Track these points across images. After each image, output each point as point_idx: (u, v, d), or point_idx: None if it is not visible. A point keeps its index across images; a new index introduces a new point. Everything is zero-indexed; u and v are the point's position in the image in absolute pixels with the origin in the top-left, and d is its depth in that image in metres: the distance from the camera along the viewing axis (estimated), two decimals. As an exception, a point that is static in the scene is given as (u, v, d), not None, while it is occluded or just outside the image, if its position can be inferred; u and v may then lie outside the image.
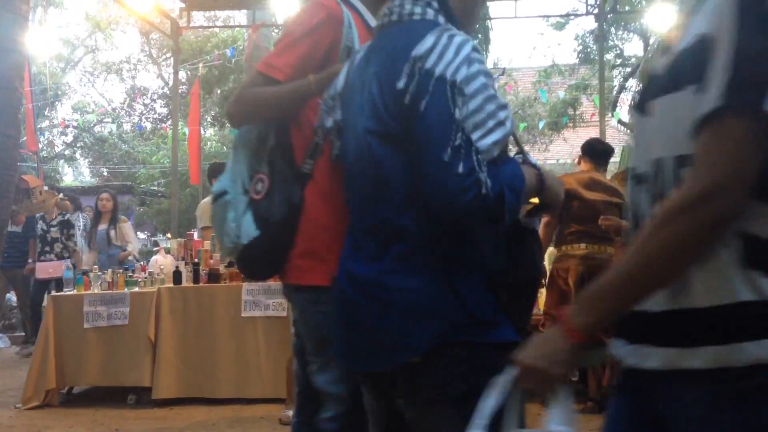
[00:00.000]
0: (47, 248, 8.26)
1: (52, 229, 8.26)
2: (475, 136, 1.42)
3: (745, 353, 1.07)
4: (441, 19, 1.59)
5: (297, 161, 1.98)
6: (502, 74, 18.98)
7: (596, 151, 5.12)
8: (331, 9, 1.97)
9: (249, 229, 1.96)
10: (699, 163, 1.07)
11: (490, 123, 1.44)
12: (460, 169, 1.39)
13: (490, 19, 11.87)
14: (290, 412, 4.77)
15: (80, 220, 9.01)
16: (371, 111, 1.57)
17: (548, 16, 20.56)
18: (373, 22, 1.98)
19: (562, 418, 1.29)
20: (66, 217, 8.41)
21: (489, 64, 16.23)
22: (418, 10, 1.59)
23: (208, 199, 6.73)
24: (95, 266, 6.38)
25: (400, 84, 1.48)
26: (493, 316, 1.52)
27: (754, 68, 1.03)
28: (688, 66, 1.11)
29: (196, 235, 6.34)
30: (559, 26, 20.04)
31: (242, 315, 5.36)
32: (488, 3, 11.22)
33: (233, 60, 16.11)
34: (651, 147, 1.20)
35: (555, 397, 1.30)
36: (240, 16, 17.28)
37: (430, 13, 1.59)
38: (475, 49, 1.49)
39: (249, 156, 2.03)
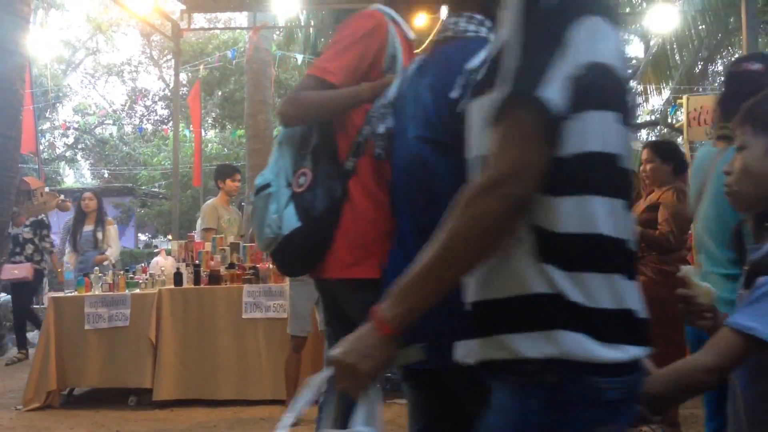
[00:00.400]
0: (18, 249, 7.95)
1: (25, 229, 7.97)
2: None
3: (537, 345, 1.10)
4: (493, 37, 1.68)
5: (340, 158, 2.06)
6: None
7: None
8: (379, 20, 2.09)
9: (291, 221, 2.03)
10: (492, 154, 1.12)
11: None
12: None
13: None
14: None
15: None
16: (423, 120, 1.69)
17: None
18: (410, 34, 2.17)
19: (368, 418, 1.25)
20: (40, 218, 8.14)
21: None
22: (472, 27, 1.73)
23: (211, 201, 6.71)
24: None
25: (454, 95, 1.58)
26: None
27: (532, 62, 1.09)
28: (491, 71, 1.18)
29: (196, 237, 6.34)
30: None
31: (243, 316, 5.36)
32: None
33: (234, 62, 16.13)
34: (470, 148, 1.27)
35: (363, 395, 1.26)
36: (241, 18, 17.31)
37: (483, 31, 1.72)
38: None
39: (293, 152, 2.12)
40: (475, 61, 1.55)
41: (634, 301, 1.15)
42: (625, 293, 1.13)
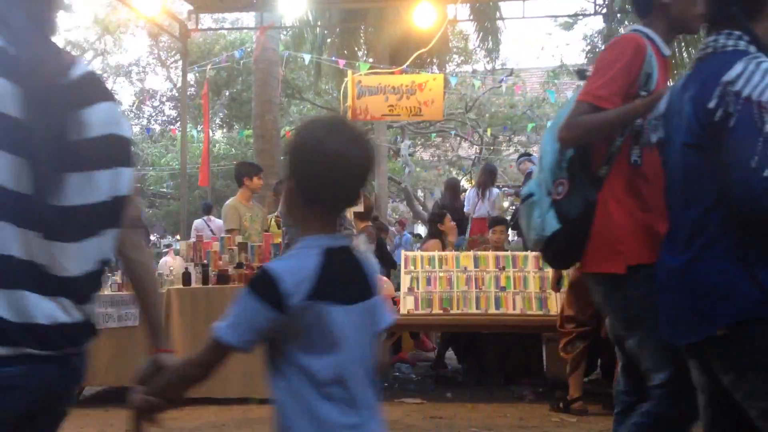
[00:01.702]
0: None
1: None
2: None
3: None
4: (752, 49, 1.94)
5: (593, 168, 2.39)
6: (510, 75, 18.98)
7: None
8: (638, 42, 2.37)
9: (552, 224, 2.40)
10: None
11: None
12: (766, 173, 1.75)
13: (502, 19, 11.87)
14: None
15: None
16: (687, 128, 1.96)
17: (556, 17, 20.53)
18: (666, 51, 2.44)
19: None
20: None
21: (497, 65, 16.25)
22: (730, 42, 1.96)
23: (231, 202, 6.64)
24: None
25: (711, 104, 1.86)
26: None
27: None
28: None
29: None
30: (568, 26, 19.99)
31: (251, 316, 5.36)
32: (498, 3, 11.22)
33: (241, 62, 16.15)
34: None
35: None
36: (248, 18, 17.33)
37: (742, 45, 1.95)
38: None
39: (552, 165, 2.45)
40: (732, 73, 1.84)
41: (2, 309, 1.39)
42: None
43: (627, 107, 2.30)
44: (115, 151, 1.56)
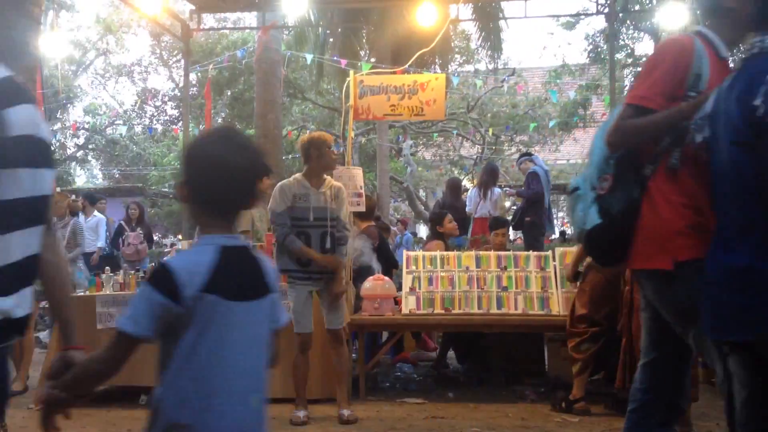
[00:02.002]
0: None
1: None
2: None
3: None
4: None
5: (639, 167, 2.43)
6: (512, 75, 18.97)
7: None
8: (684, 43, 2.42)
9: (593, 218, 2.47)
10: None
11: None
12: None
13: (504, 18, 11.86)
14: (300, 413, 4.78)
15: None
16: (733, 126, 2.02)
17: (558, 16, 20.52)
18: (725, 53, 2.45)
19: None
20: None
21: (499, 65, 16.23)
22: None
23: None
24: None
25: (757, 102, 1.92)
26: None
27: None
28: None
29: None
30: (569, 26, 19.97)
31: (253, 316, 5.37)
32: (500, 3, 11.21)
33: (243, 62, 16.15)
34: None
35: None
36: (250, 18, 17.34)
37: None
38: None
39: (599, 161, 2.50)
40: None
41: None
42: None
43: (673, 110, 2.34)
44: (36, 151, 1.66)
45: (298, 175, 4.92)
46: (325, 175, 4.96)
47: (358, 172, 6.16)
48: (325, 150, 4.83)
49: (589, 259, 4.90)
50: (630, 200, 2.42)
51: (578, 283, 4.99)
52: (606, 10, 11.53)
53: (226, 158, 1.68)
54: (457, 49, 19.07)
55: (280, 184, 4.92)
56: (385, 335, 6.66)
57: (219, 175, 1.68)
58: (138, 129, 24.50)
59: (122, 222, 10.43)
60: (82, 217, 9.47)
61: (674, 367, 2.56)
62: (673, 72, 2.38)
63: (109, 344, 1.66)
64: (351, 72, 6.90)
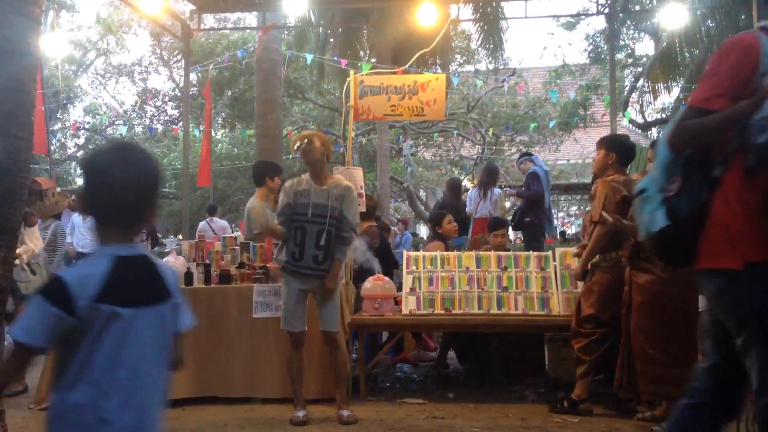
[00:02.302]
0: None
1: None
2: None
3: None
4: None
5: (709, 168, 2.40)
6: (512, 75, 18.97)
7: (630, 151, 5.02)
8: (747, 43, 2.37)
9: (660, 220, 2.43)
10: None
11: None
12: None
13: (504, 19, 11.86)
14: (300, 413, 4.78)
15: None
16: None
17: (558, 16, 20.53)
18: None
19: None
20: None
21: (499, 65, 16.23)
22: None
23: (256, 203, 6.31)
24: None
25: None
26: None
27: None
28: None
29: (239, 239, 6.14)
30: (570, 26, 20.01)
31: (253, 316, 5.38)
32: (500, 3, 11.21)
33: (243, 62, 16.15)
34: None
35: None
36: (250, 18, 17.34)
37: None
38: None
39: (666, 164, 2.47)
40: None
41: None
42: None
43: (732, 109, 2.31)
44: None
45: (305, 174, 5.00)
46: (333, 174, 5.10)
47: (359, 172, 6.16)
48: (294, 148, 5.04)
49: (595, 259, 4.90)
50: (699, 202, 2.39)
51: (585, 282, 4.98)
52: (606, 10, 11.54)
53: (111, 173, 1.74)
54: (457, 50, 19.07)
55: (287, 181, 5.06)
56: (385, 335, 6.66)
57: (106, 189, 1.75)
58: (138, 129, 24.48)
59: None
60: (80, 217, 9.46)
61: (732, 373, 2.50)
62: (736, 73, 2.34)
63: (11, 354, 1.70)
64: (351, 72, 6.90)
